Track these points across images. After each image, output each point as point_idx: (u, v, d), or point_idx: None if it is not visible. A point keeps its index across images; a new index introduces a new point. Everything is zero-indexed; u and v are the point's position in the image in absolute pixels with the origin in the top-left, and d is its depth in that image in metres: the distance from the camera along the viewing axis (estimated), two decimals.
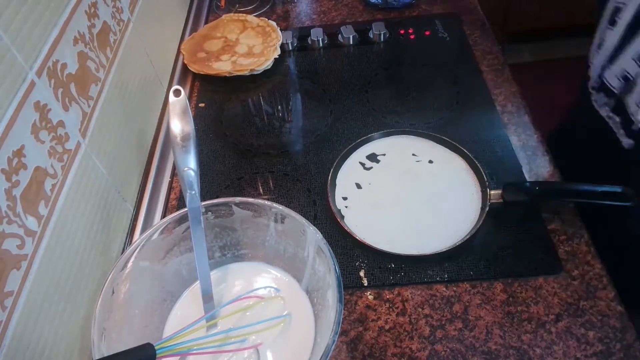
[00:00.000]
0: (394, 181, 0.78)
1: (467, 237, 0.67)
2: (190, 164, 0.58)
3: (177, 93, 0.60)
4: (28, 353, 0.47)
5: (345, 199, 0.76)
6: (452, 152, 0.80)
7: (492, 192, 0.70)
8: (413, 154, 0.80)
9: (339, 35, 1.06)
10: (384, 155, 0.81)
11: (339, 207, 0.74)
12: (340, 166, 0.80)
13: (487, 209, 0.69)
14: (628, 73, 0.68)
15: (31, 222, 0.49)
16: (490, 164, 0.77)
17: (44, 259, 0.50)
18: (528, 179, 0.76)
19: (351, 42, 1.05)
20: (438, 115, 0.88)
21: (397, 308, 0.64)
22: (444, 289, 0.65)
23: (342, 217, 0.73)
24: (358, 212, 0.74)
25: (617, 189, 0.65)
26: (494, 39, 1.01)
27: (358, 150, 0.82)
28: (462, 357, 0.59)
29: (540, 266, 0.66)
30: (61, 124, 0.56)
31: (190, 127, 0.59)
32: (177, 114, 0.59)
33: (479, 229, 0.68)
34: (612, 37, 0.70)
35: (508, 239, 0.69)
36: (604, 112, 0.75)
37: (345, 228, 0.70)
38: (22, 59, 0.50)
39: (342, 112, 0.92)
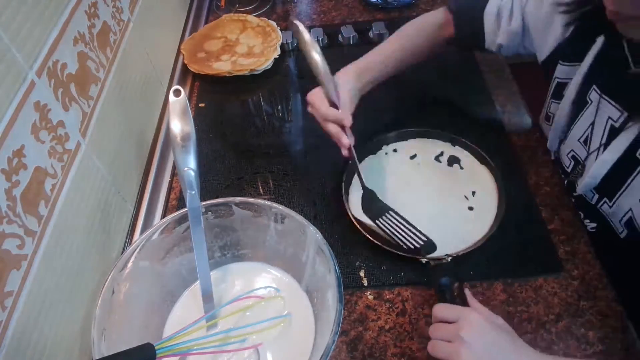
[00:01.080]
0: (414, 179, 0.77)
1: (480, 243, 0.66)
2: (190, 164, 0.57)
3: (177, 93, 0.60)
4: (28, 353, 0.47)
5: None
6: (478, 162, 0.78)
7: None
8: (440, 154, 0.80)
9: (339, 35, 1.06)
10: (416, 156, 0.81)
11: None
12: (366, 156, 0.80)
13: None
14: (577, 154, 0.67)
15: (31, 222, 0.49)
16: (489, 166, 0.77)
17: (44, 259, 0.50)
18: (528, 179, 0.76)
19: (351, 42, 1.05)
20: (438, 115, 0.88)
21: (397, 308, 0.64)
22: None
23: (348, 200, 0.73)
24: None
25: None
26: None
27: (387, 145, 0.82)
28: None
29: (540, 266, 0.66)
30: (61, 124, 0.56)
31: (190, 127, 0.59)
32: (177, 114, 0.59)
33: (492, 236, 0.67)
34: (559, 112, 0.68)
35: (508, 239, 0.69)
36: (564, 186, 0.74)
37: (349, 213, 0.70)
38: (22, 59, 0.50)
39: None
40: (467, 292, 0.58)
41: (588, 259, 0.66)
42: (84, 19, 0.64)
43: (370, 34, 1.05)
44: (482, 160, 0.77)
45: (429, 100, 0.92)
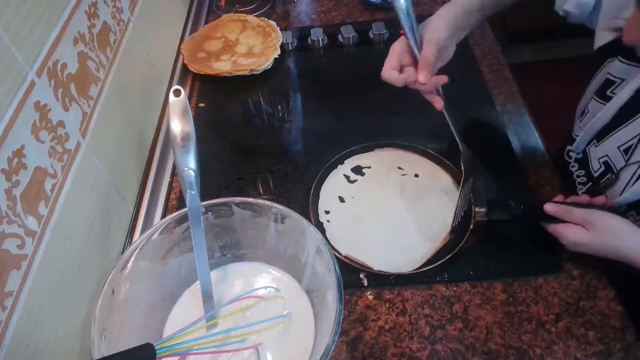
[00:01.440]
0: (378, 195, 0.76)
1: (451, 255, 0.66)
2: (190, 164, 0.57)
3: (177, 93, 0.60)
4: (28, 353, 0.47)
5: (327, 212, 0.75)
6: (438, 166, 0.78)
7: (477, 209, 0.67)
8: (399, 167, 0.79)
9: (339, 35, 1.06)
10: (369, 168, 0.80)
11: (320, 221, 0.73)
12: (325, 178, 0.79)
13: (472, 227, 0.67)
14: (611, 162, 0.63)
15: (31, 222, 0.49)
16: (490, 165, 0.77)
17: (44, 259, 0.50)
18: (528, 179, 0.76)
19: (351, 42, 1.05)
20: (438, 115, 0.88)
21: (397, 308, 0.64)
22: (444, 289, 0.65)
23: (324, 230, 0.72)
24: (340, 226, 0.73)
25: (601, 200, 0.62)
26: (494, 39, 1.02)
27: (345, 162, 0.81)
28: (462, 357, 0.59)
29: (540, 266, 0.66)
30: (61, 124, 0.56)
31: (190, 127, 0.59)
32: (177, 114, 0.59)
33: (463, 246, 0.67)
34: (603, 113, 0.64)
35: (508, 239, 0.69)
36: (579, 190, 0.71)
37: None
38: (22, 59, 0.50)
39: (342, 112, 0.92)
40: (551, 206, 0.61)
41: (588, 259, 0.66)
42: (84, 19, 0.64)
43: (370, 34, 1.05)
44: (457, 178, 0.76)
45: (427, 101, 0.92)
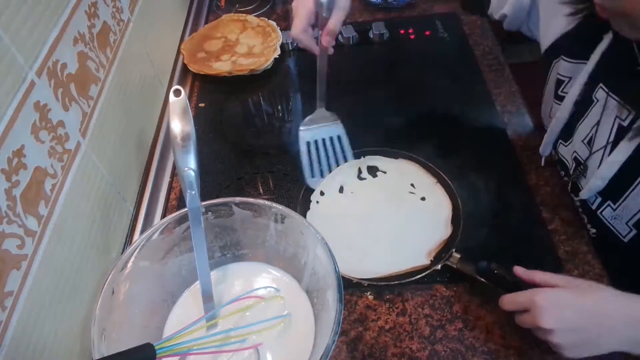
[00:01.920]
0: (376, 200, 0.75)
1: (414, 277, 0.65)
2: (190, 164, 0.57)
3: (177, 93, 0.60)
4: (28, 353, 0.47)
5: (322, 194, 0.75)
6: (446, 196, 0.74)
7: (454, 254, 0.65)
8: (411, 184, 0.76)
9: (339, 35, 1.06)
10: (385, 173, 0.78)
11: (311, 199, 0.74)
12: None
13: (439, 267, 0.66)
14: (579, 155, 0.65)
15: (31, 222, 0.49)
16: (490, 165, 0.77)
17: (44, 259, 0.50)
18: (528, 179, 0.76)
19: (351, 42, 1.05)
20: (438, 115, 0.88)
21: (397, 308, 0.64)
22: (444, 289, 0.65)
23: (308, 208, 0.73)
24: (323, 213, 0.73)
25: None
26: (494, 39, 1.01)
27: (365, 157, 0.80)
28: (462, 357, 0.59)
29: (540, 266, 0.66)
30: (61, 124, 0.56)
31: (190, 127, 0.59)
32: (177, 114, 0.59)
33: (481, 231, 0.67)
34: (561, 112, 0.66)
35: (508, 239, 0.69)
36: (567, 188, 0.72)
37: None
38: (22, 59, 0.50)
39: (342, 112, 0.91)
40: (519, 269, 0.58)
41: (588, 259, 0.66)
42: (84, 19, 0.64)
43: (370, 34, 1.05)
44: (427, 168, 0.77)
45: (428, 100, 0.92)
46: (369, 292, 0.66)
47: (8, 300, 0.45)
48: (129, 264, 0.56)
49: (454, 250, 0.66)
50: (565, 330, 0.52)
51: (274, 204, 0.59)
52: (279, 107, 0.96)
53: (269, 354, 0.57)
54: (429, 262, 0.67)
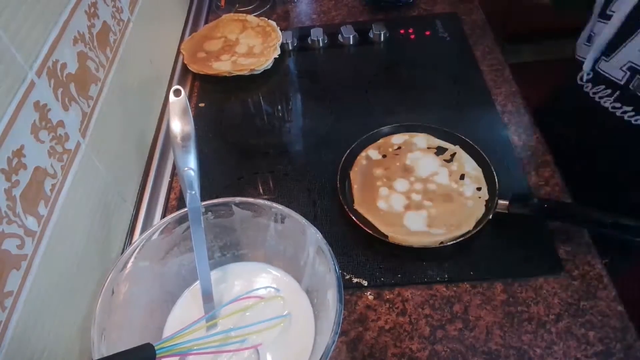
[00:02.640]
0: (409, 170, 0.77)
1: (466, 238, 0.67)
2: (190, 164, 0.57)
3: (177, 93, 0.60)
4: (28, 353, 0.47)
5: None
6: (468, 154, 0.78)
7: (500, 201, 0.69)
8: (438, 147, 0.80)
9: (339, 35, 1.06)
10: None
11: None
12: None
13: (491, 217, 0.69)
14: (636, 65, 0.69)
15: (31, 222, 0.49)
16: (489, 165, 0.77)
17: (44, 259, 0.50)
18: (528, 181, 0.76)
19: (351, 42, 1.05)
20: (438, 115, 0.88)
21: (397, 308, 0.64)
22: (444, 289, 0.65)
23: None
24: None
25: (631, 222, 0.61)
26: (494, 39, 1.01)
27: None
28: (463, 357, 0.59)
29: (541, 266, 0.66)
30: (61, 124, 0.56)
31: (190, 127, 0.59)
32: (177, 114, 0.59)
33: (481, 231, 0.68)
34: (606, 30, 0.71)
35: (508, 239, 0.69)
36: (607, 103, 0.76)
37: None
38: (22, 59, 0.50)
39: (342, 112, 0.92)
40: None
41: (588, 259, 0.66)
42: (84, 19, 0.64)
43: (370, 34, 1.05)
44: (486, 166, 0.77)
45: (428, 100, 0.92)
46: (369, 292, 0.66)
47: (8, 300, 0.45)
48: (129, 264, 0.56)
49: (497, 198, 0.69)
50: None
51: (274, 204, 0.59)
52: (279, 107, 0.96)
53: (269, 354, 0.57)
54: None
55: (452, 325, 0.62)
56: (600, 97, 0.77)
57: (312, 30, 1.05)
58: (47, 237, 0.51)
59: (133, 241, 0.65)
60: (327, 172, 0.80)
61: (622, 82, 0.72)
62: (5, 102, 0.47)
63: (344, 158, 0.78)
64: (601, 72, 0.75)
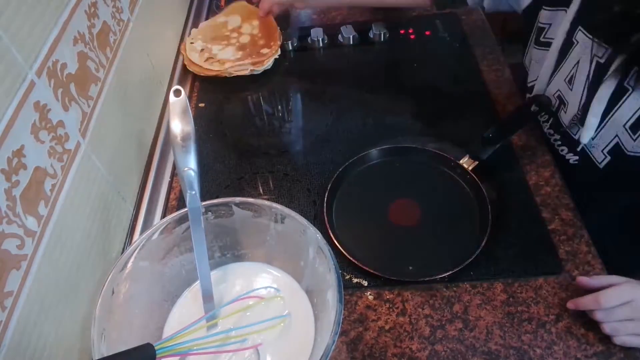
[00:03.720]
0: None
1: (467, 263, 0.65)
2: (190, 164, 0.57)
3: (177, 93, 0.60)
4: (28, 353, 0.47)
5: None
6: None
7: (463, 161, 0.75)
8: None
9: (339, 35, 1.06)
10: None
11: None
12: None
13: (469, 177, 0.73)
14: (562, 93, 0.72)
15: (31, 222, 0.49)
16: (488, 165, 0.77)
17: (43, 259, 0.50)
18: (527, 179, 0.76)
19: (351, 42, 1.05)
20: (438, 115, 0.88)
21: (397, 308, 0.64)
22: (444, 289, 0.65)
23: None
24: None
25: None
26: (494, 39, 1.01)
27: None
28: (463, 357, 0.59)
29: (540, 266, 0.66)
30: (61, 124, 0.56)
31: (190, 127, 0.59)
32: (177, 114, 0.59)
33: (482, 250, 0.66)
34: (549, 59, 0.72)
35: (508, 239, 0.69)
36: (545, 128, 0.79)
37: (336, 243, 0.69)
38: (22, 59, 0.50)
39: (342, 112, 0.92)
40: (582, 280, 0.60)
41: (588, 259, 0.66)
42: (84, 19, 0.64)
43: (370, 34, 1.05)
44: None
45: (428, 100, 0.92)
46: (369, 292, 0.66)
47: (8, 300, 0.45)
48: (129, 264, 0.56)
49: (462, 163, 0.75)
50: (622, 327, 0.57)
51: (274, 204, 0.59)
52: (279, 107, 0.96)
53: (269, 354, 0.57)
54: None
55: (452, 325, 0.62)
56: (543, 122, 0.80)
57: (312, 30, 1.05)
58: (47, 237, 0.51)
59: (133, 241, 0.65)
60: (327, 172, 0.80)
61: (554, 109, 0.74)
62: (6, 102, 0.47)
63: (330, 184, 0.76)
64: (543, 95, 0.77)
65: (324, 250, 0.55)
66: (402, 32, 1.06)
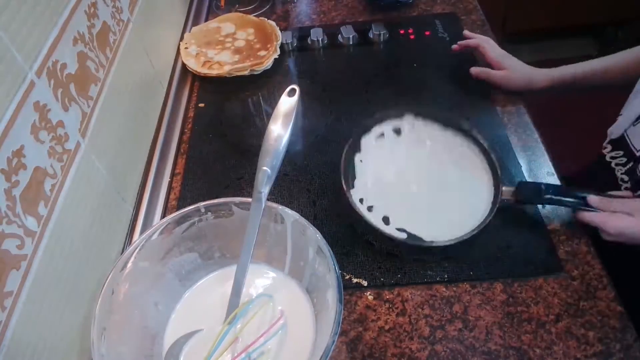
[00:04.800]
0: (410, 161, 0.78)
1: (475, 231, 0.66)
2: (268, 165, 0.57)
3: (291, 93, 0.59)
4: (28, 353, 0.47)
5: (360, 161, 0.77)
6: (470, 144, 0.78)
7: (505, 188, 0.69)
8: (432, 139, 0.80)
9: (339, 35, 1.06)
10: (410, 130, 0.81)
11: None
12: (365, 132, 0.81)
13: (498, 205, 0.68)
14: None
15: (31, 222, 0.49)
16: (488, 165, 0.77)
17: (43, 259, 0.50)
18: (527, 179, 0.76)
19: (351, 42, 1.05)
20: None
21: (397, 308, 0.64)
22: (444, 289, 0.65)
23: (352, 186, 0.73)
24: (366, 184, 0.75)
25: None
26: (494, 39, 1.01)
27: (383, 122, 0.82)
28: (462, 358, 0.59)
29: (540, 266, 0.66)
30: (61, 124, 0.56)
31: (285, 132, 0.58)
32: (282, 113, 0.59)
33: (488, 225, 0.67)
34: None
35: (508, 239, 0.69)
36: (618, 172, 0.72)
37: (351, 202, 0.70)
38: (21, 59, 0.50)
39: (342, 112, 0.92)
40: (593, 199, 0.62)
41: (588, 259, 0.66)
42: (84, 19, 0.64)
43: (370, 34, 1.05)
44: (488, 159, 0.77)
45: (427, 100, 0.92)
46: (368, 292, 0.66)
47: (8, 300, 0.45)
48: (129, 264, 0.56)
49: (502, 186, 0.69)
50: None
51: (274, 204, 0.59)
52: None
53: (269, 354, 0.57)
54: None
55: (451, 325, 0.62)
56: (616, 165, 0.73)
57: (312, 31, 1.05)
58: (47, 237, 0.51)
59: (133, 241, 0.65)
60: (327, 172, 0.80)
61: (637, 155, 0.67)
62: (5, 102, 0.47)
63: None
64: (626, 137, 0.70)
65: (323, 250, 0.55)
66: (402, 32, 1.06)
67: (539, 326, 0.61)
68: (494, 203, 0.69)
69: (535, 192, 0.67)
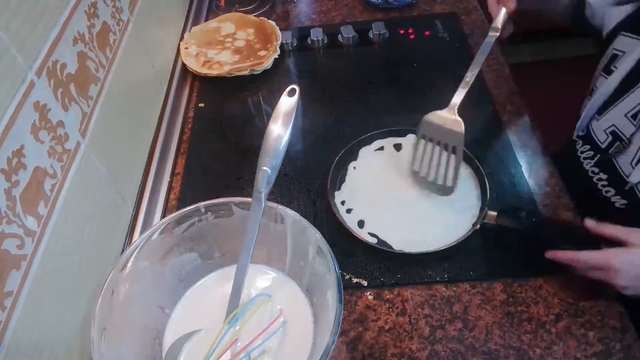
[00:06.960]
0: (402, 175, 0.77)
1: (457, 243, 0.66)
2: (268, 165, 0.57)
3: (291, 93, 0.59)
4: (28, 353, 0.47)
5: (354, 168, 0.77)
6: (467, 166, 0.77)
7: (489, 212, 0.67)
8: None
9: (339, 35, 1.06)
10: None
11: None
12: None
13: (479, 227, 0.67)
14: (619, 130, 0.65)
15: (31, 222, 0.49)
16: (490, 164, 0.77)
17: (43, 259, 0.50)
18: (527, 179, 0.76)
19: (351, 42, 1.05)
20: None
21: (397, 308, 0.64)
22: (444, 289, 0.65)
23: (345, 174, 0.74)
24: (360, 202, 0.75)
25: None
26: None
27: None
28: (462, 357, 0.59)
29: (540, 266, 0.66)
30: (61, 124, 0.56)
31: (285, 132, 0.57)
32: (282, 113, 0.59)
33: (471, 236, 0.67)
34: (605, 86, 0.67)
35: (508, 239, 0.69)
36: (587, 166, 0.73)
37: (341, 220, 0.71)
38: (21, 59, 0.50)
39: (342, 112, 0.92)
40: (589, 222, 0.59)
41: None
42: (84, 19, 0.64)
43: (370, 34, 1.05)
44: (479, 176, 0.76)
45: (427, 100, 0.92)
46: (368, 292, 0.66)
47: (8, 300, 0.45)
48: (129, 264, 0.56)
49: (487, 209, 0.67)
50: (636, 284, 0.55)
51: (274, 204, 0.59)
52: None
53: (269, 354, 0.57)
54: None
55: (451, 325, 0.62)
56: (584, 159, 0.74)
57: (312, 31, 1.05)
58: (47, 237, 0.51)
59: (133, 241, 0.65)
60: (327, 172, 0.80)
61: (603, 146, 0.68)
62: (5, 102, 0.47)
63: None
64: (591, 131, 0.71)
65: (323, 250, 0.55)
66: (402, 32, 1.06)
67: (539, 326, 0.61)
68: (474, 224, 0.68)
69: (516, 219, 0.66)
